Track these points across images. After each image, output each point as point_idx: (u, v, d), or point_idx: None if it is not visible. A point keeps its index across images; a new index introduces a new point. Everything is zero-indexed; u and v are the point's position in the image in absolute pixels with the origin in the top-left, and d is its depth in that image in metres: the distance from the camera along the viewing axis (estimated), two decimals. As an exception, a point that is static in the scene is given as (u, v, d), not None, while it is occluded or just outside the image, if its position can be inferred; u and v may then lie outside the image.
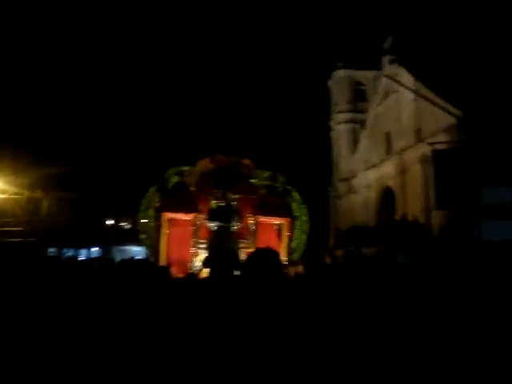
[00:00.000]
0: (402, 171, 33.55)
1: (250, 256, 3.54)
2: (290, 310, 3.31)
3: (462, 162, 16.57)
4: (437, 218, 27.08)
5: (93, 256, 37.56)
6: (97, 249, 42.65)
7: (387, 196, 36.96)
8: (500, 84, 23.38)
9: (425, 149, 28.56)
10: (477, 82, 24.44)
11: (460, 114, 25.58)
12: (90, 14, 76.69)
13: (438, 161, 17.91)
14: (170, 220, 18.92)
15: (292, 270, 14.48)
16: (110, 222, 47.75)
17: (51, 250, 32.52)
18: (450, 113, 25.74)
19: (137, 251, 37.15)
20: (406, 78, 32.99)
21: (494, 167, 16.72)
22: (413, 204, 31.01)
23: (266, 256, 3.47)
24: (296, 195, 19.46)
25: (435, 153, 18.49)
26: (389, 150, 36.83)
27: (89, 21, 78.52)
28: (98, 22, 78.39)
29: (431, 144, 20.10)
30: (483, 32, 28.40)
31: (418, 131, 31.27)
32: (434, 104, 27.38)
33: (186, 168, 19.65)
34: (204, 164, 19.66)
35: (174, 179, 19.33)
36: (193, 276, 9.48)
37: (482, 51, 27.41)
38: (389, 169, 36.01)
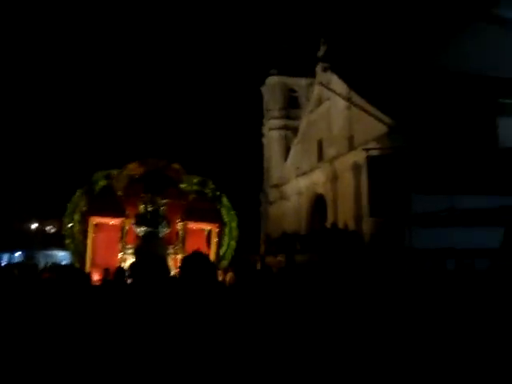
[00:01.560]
0: (334, 178, 33.62)
1: (185, 259, 3.62)
2: (223, 314, 3.36)
3: (394, 169, 16.59)
4: (368, 225, 27.19)
5: (15, 261, 36.16)
6: (20, 253, 41.03)
7: (318, 203, 37.00)
8: (431, 92, 23.68)
9: (357, 156, 28.72)
10: (408, 90, 24.67)
11: (391, 122, 25.83)
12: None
13: (372, 167, 17.90)
14: (97, 224, 18.39)
15: (221, 277, 14.23)
16: (34, 226, 45.97)
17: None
18: (381, 121, 25.94)
19: (62, 256, 36.03)
20: (338, 85, 33.21)
21: (426, 175, 16.79)
22: (344, 211, 31.08)
23: (200, 260, 3.55)
24: (225, 201, 19.20)
25: (369, 159, 18.46)
26: (321, 158, 36.86)
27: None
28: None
29: (365, 150, 20.09)
30: (415, 41, 28.81)
31: (351, 139, 31.38)
32: (366, 112, 27.58)
33: (114, 171, 19.03)
34: (132, 167, 19.12)
35: (102, 182, 18.73)
36: (109, 282, 9.41)
37: (414, 60, 27.77)
38: (320, 176, 36.06)
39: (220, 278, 16.04)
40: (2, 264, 25.95)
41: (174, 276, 4.07)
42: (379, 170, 17.41)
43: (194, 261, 3.60)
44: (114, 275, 9.48)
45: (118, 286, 7.94)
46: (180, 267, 3.66)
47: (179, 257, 16.83)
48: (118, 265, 16.71)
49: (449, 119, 21.82)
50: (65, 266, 17.03)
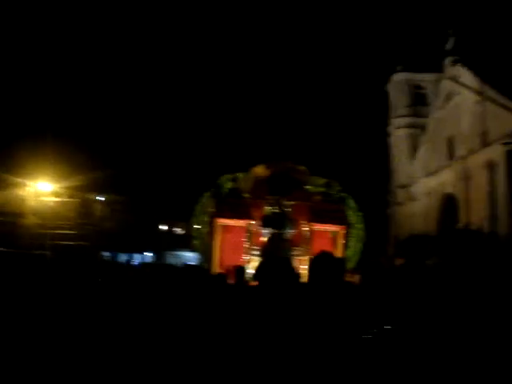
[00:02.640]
0: (466, 177, 32.09)
1: (314, 259, 3.55)
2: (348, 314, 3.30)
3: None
4: (505, 226, 25.59)
5: (146, 261, 37.91)
6: (150, 254, 42.90)
7: (449, 204, 35.49)
8: None
9: (491, 153, 27.26)
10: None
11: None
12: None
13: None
14: (224, 226, 18.62)
15: (349, 279, 13.97)
16: (163, 228, 47.90)
17: (106, 255, 32.84)
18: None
19: (189, 257, 37.24)
20: (469, 79, 31.60)
21: None
22: (477, 212, 29.54)
23: (329, 260, 3.48)
24: (351, 202, 18.85)
25: (509, 154, 17.25)
26: (451, 156, 35.34)
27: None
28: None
29: (505, 144, 18.80)
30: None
31: (483, 135, 29.78)
32: (501, 105, 25.99)
33: (240, 174, 19.32)
34: (258, 170, 19.31)
35: (228, 185, 19.05)
36: (242, 283, 9.34)
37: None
38: (451, 175, 34.64)
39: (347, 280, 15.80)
40: (136, 263, 27.30)
41: (299, 277, 3.91)
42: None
43: (324, 260, 3.55)
44: (235, 275, 9.49)
45: (237, 287, 8.22)
46: (309, 267, 3.61)
47: (305, 258, 16.69)
48: (242, 265, 16.95)
49: None
50: (196, 266, 17.51)
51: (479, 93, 29.60)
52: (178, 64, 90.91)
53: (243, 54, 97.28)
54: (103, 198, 36.70)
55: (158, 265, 19.30)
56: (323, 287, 3.34)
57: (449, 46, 36.26)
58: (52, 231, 27.82)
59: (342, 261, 3.67)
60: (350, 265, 18.03)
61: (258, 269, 4.57)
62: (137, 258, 38.54)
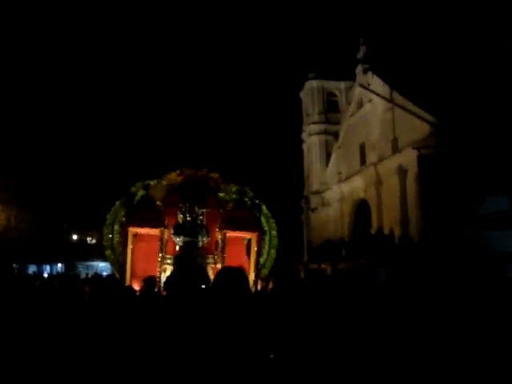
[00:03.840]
0: (377, 183, 32.72)
1: (217, 275, 3.63)
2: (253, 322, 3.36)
3: (446, 169, 15.70)
4: (416, 229, 26.15)
5: (56, 272, 36.48)
6: (60, 264, 41.39)
7: (362, 209, 36.11)
8: (478, 88, 22.69)
9: (402, 159, 27.86)
10: (453, 87, 23.75)
11: (436, 121, 24.87)
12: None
13: (422, 167, 17.03)
14: (136, 235, 18.20)
15: (262, 286, 14.03)
16: (74, 237, 46.38)
17: (13, 266, 31.26)
18: (426, 121, 25.00)
19: (102, 267, 36.28)
20: (380, 87, 32.32)
21: (482, 175, 15.85)
22: (389, 216, 30.14)
23: (232, 275, 3.52)
24: (265, 209, 18.88)
25: (419, 159, 17.59)
26: (363, 162, 35.96)
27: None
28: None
29: (416, 149, 19.19)
30: (455, 39, 27.87)
31: (394, 141, 30.48)
32: (410, 112, 26.65)
33: (152, 182, 18.88)
34: (171, 177, 18.98)
35: (140, 193, 18.59)
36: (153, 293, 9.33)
37: (455, 57, 26.82)
38: (363, 181, 35.18)
39: (259, 287, 15.73)
40: (45, 275, 26.11)
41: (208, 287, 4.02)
42: (430, 170, 16.55)
43: (226, 274, 3.60)
44: (145, 284, 9.49)
45: (149, 296, 8.20)
46: (213, 280, 3.67)
47: (219, 266, 16.60)
48: (157, 275, 16.71)
49: (503, 115, 20.69)
50: (106, 277, 16.91)
51: (389, 100, 30.29)
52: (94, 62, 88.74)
53: (154, 55, 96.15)
54: (7, 206, 35.02)
55: (66, 276, 18.45)
56: (227, 296, 3.34)
57: (360, 54, 36.94)
58: None
59: (241, 272, 3.57)
60: (265, 272, 18.12)
61: (168, 278, 4.63)
62: (46, 269, 37.18)
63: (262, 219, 18.64)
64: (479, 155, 16.71)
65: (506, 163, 15.71)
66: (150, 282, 9.44)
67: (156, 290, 10.52)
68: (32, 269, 33.26)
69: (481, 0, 30.01)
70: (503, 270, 10.69)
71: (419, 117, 26.25)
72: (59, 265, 41.04)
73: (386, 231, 27.87)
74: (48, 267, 38.54)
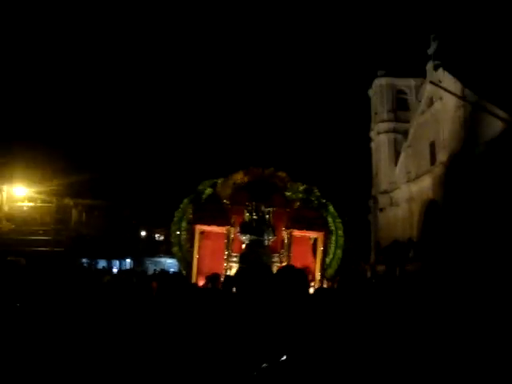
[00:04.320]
0: (448, 183, 31.80)
1: (277, 273, 3.63)
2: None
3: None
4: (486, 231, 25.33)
5: (125, 267, 37.36)
6: (129, 260, 42.35)
7: (431, 209, 35.26)
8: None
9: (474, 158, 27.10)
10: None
11: (510, 118, 24.02)
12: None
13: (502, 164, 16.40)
14: (203, 232, 18.49)
15: (327, 286, 13.96)
16: (143, 233, 47.39)
17: (84, 261, 32.26)
18: (499, 118, 24.20)
19: (170, 263, 36.83)
20: (451, 84, 31.44)
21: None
22: (459, 217, 29.25)
23: (291, 275, 3.51)
24: (331, 209, 18.77)
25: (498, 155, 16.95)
26: (433, 161, 35.11)
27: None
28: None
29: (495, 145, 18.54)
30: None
31: (466, 140, 29.57)
32: (483, 110, 25.85)
33: (219, 180, 19.12)
34: (238, 176, 19.21)
35: (208, 191, 18.88)
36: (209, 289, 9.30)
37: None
38: (434, 180, 34.32)
39: (325, 287, 15.61)
40: (114, 270, 26.79)
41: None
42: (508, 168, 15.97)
43: (285, 273, 3.58)
44: (209, 281, 9.62)
45: (212, 293, 8.08)
46: (273, 278, 3.68)
47: (282, 265, 16.51)
48: (222, 273, 16.87)
49: None
50: (172, 273, 17.22)
51: (461, 97, 29.48)
52: (152, 68, 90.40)
53: (218, 58, 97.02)
54: (80, 203, 36.06)
55: (134, 271, 18.92)
56: (286, 299, 3.33)
57: (431, 50, 36.11)
58: (27, 237, 27.21)
59: (302, 272, 3.56)
60: (330, 271, 18.05)
61: (237, 275, 4.72)
62: (116, 265, 38.07)
63: (329, 219, 18.56)
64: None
65: None
66: (214, 279, 9.53)
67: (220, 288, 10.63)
68: (102, 264, 34.21)
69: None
70: None
71: (492, 114, 25.44)
72: (128, 260, 41.95)
73: (457, 233, 27.11)
74: (117, 262, 39.42)
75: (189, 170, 46.78)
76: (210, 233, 18.42)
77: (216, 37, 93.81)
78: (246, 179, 19.02)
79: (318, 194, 18.80)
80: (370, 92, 47.79)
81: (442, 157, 33.21)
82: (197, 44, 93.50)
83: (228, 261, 17.90)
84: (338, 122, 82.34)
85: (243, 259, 17.38)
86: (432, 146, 35.69)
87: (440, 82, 33.07)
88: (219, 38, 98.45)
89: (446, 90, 31.16)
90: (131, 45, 78.52)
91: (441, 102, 33.78)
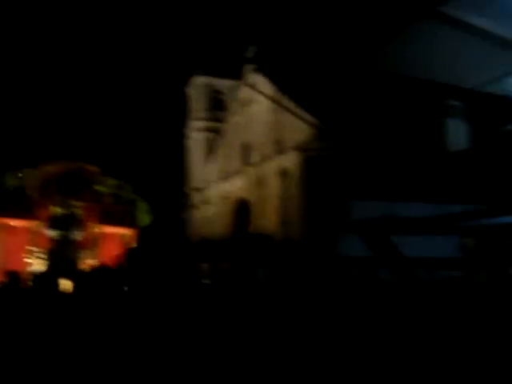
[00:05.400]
0: (259, 183, 32.85)
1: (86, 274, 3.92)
2: None
3: (330, 173, 15.90)
4: (296, 231, 26.50)
5: None
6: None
7: (242, 208, 36.18)
8: (366, 95, 23.27)
9: (285, 161, 28.13)
10: (340, 92, 24.26)
11: (320, 124, 25.36)
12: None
13: (307, 170, 17.16)
14: (5, 226, 17.29)
15: None
16: None
17: None
18: (310, 124, 25.42)
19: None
20: (267, 88, 32.48)
21: (365, 180, 16.19)
22: (270, 217, 30.36)
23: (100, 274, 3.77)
24: (143, 205, 18.61)
25: (304, 161, 17.74)
26: (246, 161, 36.05)
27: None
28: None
29: (302, 150, 19.37)
30: (351, 41, 28.58)
31: (277, 143, 30.76)
32: (294, 115, 26.99)
33: (26, 171, 17.92)
34: (47, 169, 18.17)
35: (13, 182, 17.54)
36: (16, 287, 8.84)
37: (349, 62, 27.47)
38: (245, 180, 35.25)
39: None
40: None
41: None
42: (314, 173, 16.73)
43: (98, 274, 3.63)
44: (8, 279, 9.32)
45: (14, 291, 8.08)
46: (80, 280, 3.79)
47: (92, 261, 16.28)
48: (24, 269, 16.19)
49: (389, 122, 21.34)
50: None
51: (275, 101, 30.55)
52: None
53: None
54: None
55: None
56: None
57: (249, 53, 37.02)
58: None
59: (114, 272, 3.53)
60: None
61: (39, 274, 5.00)
62: None
63: (141, 215, 18.49)
64: (365, 161, 17.10)
65: (389, 169, 16.21)
66: (14, 276, 9.02)
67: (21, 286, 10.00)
68: None
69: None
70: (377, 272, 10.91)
71: (303, 119, 26.65)
72: None
73: (268, 232, 28.05)
74: None
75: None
76: (13, 227, 17.54)
77: None
78: (55, 172, 18.27)
79: (129, 189, 18.57)
80: (188, 89, 47.90)
81: (255, 158, 34.13)
82: None
83: (33, 256, 17.25)
84: (153, 117, 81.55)
85: (50, 256, 16.93)
86: (245, 146, 36.59)
87: (256, 84, 34.06)
88: None
89: (260, 92, 32.17)
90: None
91: (256, 105, 34.73)
